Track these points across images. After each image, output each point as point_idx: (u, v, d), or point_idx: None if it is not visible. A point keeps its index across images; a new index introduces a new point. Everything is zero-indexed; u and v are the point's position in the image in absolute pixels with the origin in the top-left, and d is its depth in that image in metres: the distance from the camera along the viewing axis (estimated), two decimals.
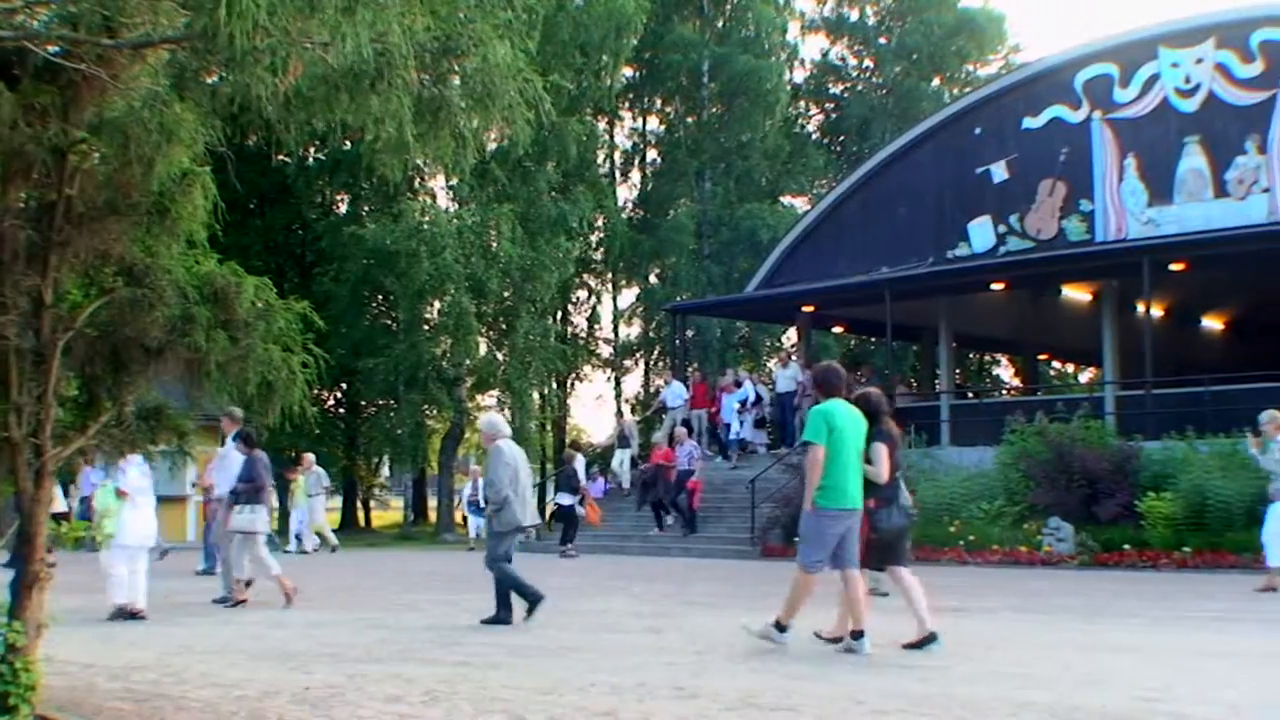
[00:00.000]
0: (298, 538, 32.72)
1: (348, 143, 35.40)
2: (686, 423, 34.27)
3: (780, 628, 12.18)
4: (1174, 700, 9.02)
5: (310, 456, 33.02)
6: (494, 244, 41.54)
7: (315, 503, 32.75)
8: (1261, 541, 19.43)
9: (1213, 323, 42.65)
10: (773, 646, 12.09)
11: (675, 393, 36.18)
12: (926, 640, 11.91)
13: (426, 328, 42.61)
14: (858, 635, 11.80)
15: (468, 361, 42.51)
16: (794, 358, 36.08)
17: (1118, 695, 9.22)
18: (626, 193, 56.85)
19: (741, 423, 35.06)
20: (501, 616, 14.33)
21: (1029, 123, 33.68)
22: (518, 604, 14.40)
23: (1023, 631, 13.88)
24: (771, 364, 36.47)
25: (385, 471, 58.32)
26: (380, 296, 44.95)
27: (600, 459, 40.48)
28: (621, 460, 35.78)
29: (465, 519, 37.47)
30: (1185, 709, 8.66)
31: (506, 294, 42.86)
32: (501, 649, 12.26)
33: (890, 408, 13.09)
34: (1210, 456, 24.97)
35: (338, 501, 55.20)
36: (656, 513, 31.30)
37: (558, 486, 31.52)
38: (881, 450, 12.31)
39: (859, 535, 12.05)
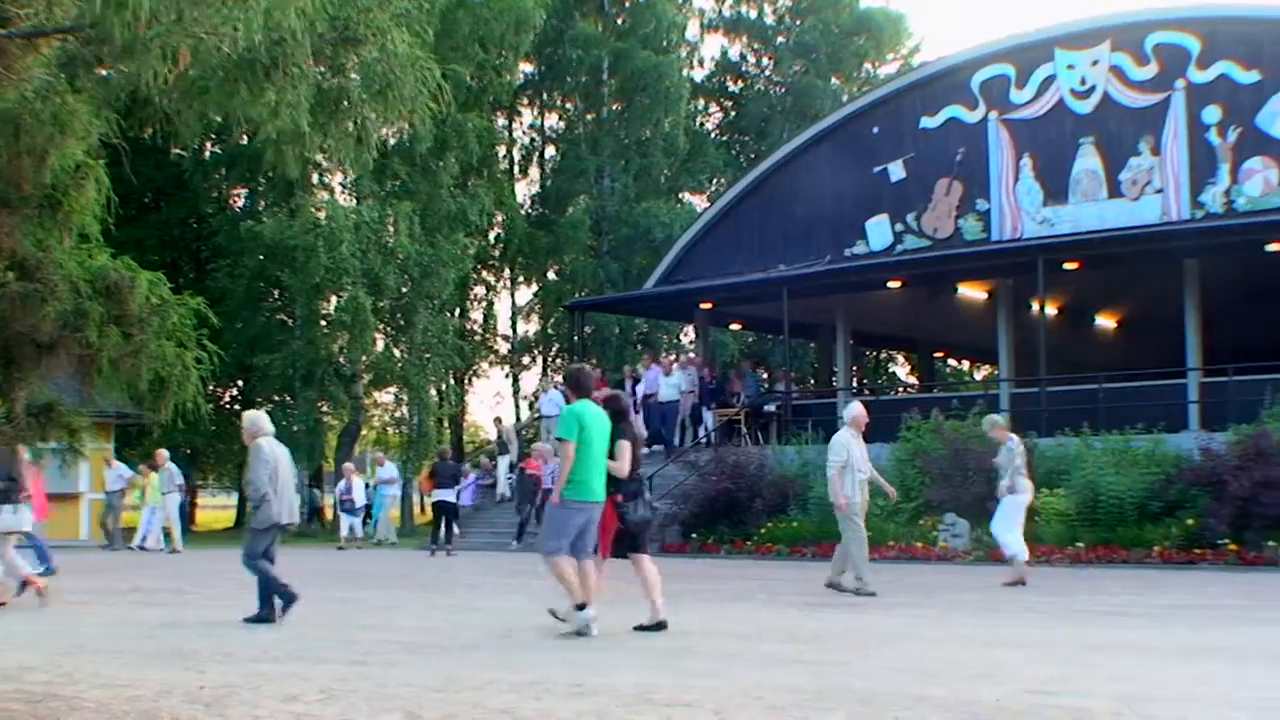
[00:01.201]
0: (144, 536, 32.39)
1: (245, 137, 35.06)
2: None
3: (580, 607, 12.77)
4: (1066, 693, 9.10)
5: (164, 453, 32.52)
6: (392, 240, 41.33)
7: (169, 500, 32.29)
8: (993, 534, 20.36)
9: (1106, 321, 43.17)
10: (579, 628, 12.72)
11: (553, 401, 35.58)
12: (657, 626, 12.97)
13: (323, 324, 42.36)
14: (581, 607, 12.71)
15: (365, 358, 42.26)
16: (679, 366, 35.88)
17: (1012, 689, 9.29)
18: (526, 189, 56.80)
19: None
20: (263, 615, 14.25)
21: (926, 122, 33.95)
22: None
23: (919, 626, 13.97)
24: (649, 369, 35.36)
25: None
26: (277, 292, 44.50)
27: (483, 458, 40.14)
28: (501, 466, 35.34)
29: (337, 518, 36.88)
30: (1077, 702, 8.74)
31: (404, 290, 42.67)
32: (398, 647, 12.18)
33: (625, 406, 13.94)
34: (1103, 453, 25.29)
35: (232, 500, 54.74)
36: (521, 526, 30.53)
37: (437, 483, 31.12)
38: (625, 447, 13.16)
39: (598, 527, 12.98)
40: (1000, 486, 20.01)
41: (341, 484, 35.18)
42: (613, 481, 12.97)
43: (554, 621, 13.28)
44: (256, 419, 14.97)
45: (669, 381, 34.22)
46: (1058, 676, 9.92)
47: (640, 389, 34.59)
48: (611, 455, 12.96)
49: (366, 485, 35.80)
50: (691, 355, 36.39)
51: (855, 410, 18.40)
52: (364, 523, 35.34)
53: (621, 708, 8.69)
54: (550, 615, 13.38)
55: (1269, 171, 29.49)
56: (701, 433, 33.81)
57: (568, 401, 13.33)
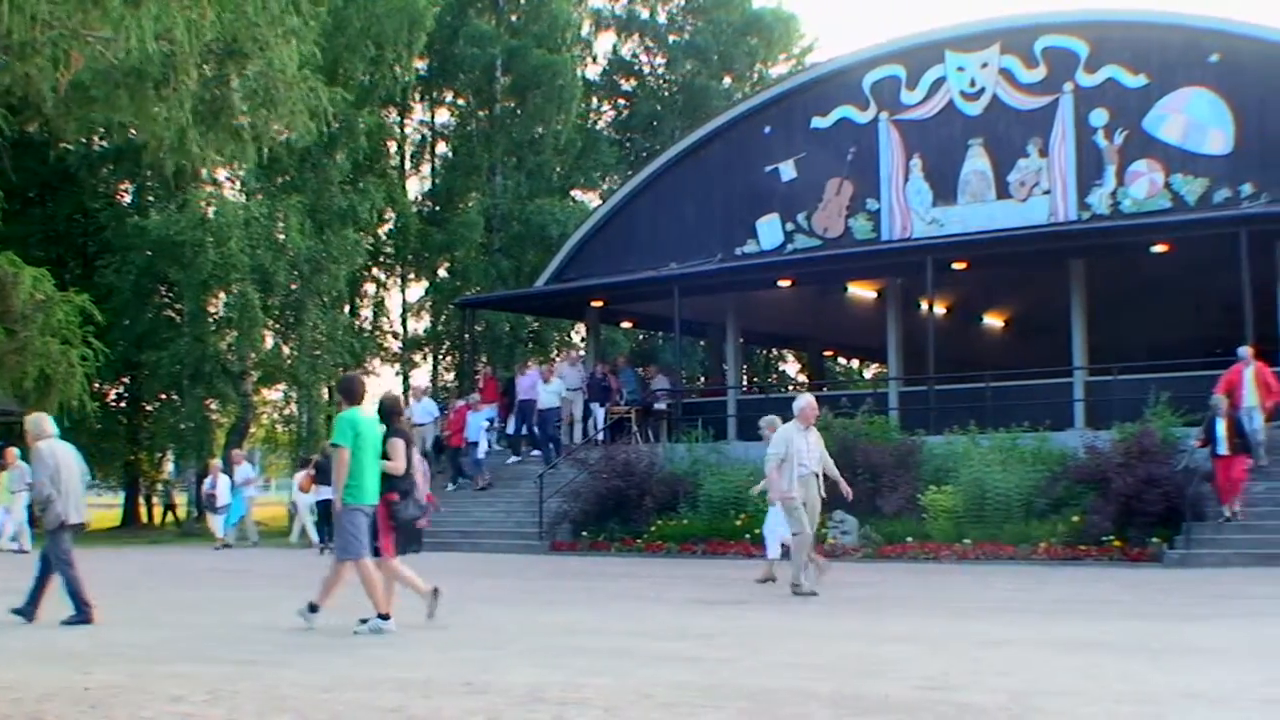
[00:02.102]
0: (14, 537, 31.79)
1: (133, 130, 34.59)
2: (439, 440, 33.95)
3: (383, 617, 13.10)
4: (954, 688, 9.15)
5: (14, 451, 31.79)
6: (281, 235, 40.94)
7: (18, 499, 31.64)
8: (762, 534, 20.63)
9: (994, 320, 43.58)
10: (390, 635, 12.86)
11: (425, 409, 35.30)
12: (384, 617, 13.12)
13: (212, 320, 41.84)
14: (384, 617, 13.07)
15: (253, 355, 41.84)
16: (568, 364, 35.70)
17: (900, 684, 9.33)
18: (417, 185, 56.44)
19: (490, 441, 33.98)
20: (81, 615, 14.11)
21: (818, 122, 34.13)
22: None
23: (808, 623, 14.00)
24: (524, 374, 34.83)
25: (170, 468, 57.07)
26: (164, 288, 43.88)
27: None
28: None
29: (205, 516, 36.25)
30: (965, 696, 8.79)
31: (294, 286, 42.23)
32: (286, 647, 12.05)
33: (397, 406, 14.32)
34: (990, 451, 25.54)
35: (118, 499, 53.93)
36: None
37: (321, 481, 30.70)
38: (399, 446, 13.47)
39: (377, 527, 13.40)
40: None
41: (208, 481, 34.66)
42: (386, 480, 13.35)
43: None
44: (39, 421, 14.85)
45: (549, 389, 33.45)
46: (946, 671, 9.97)
47: (518, 393, 34.31)
48: (386, 455, 13.35)
49: (232, 484, 35.10)
50: (579, 352, 36.11)
51: (803, 402, 17.84)
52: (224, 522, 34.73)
53: (513, 706, 8.63)
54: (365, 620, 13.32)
55: (1154, 174, 29.94)
56: (591, 429, 33.65)
57: (341, 410, 13.60)
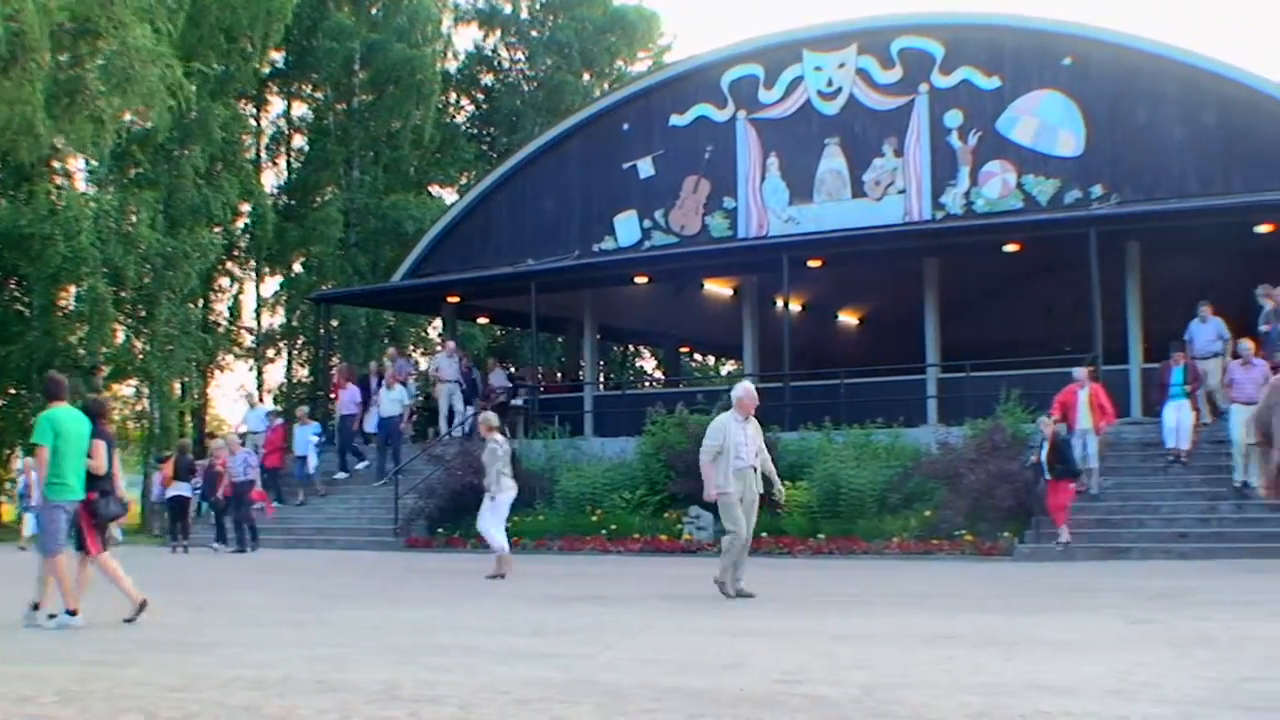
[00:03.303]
0: None
1: None
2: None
3: (70, 613, 13.22)
4: (809, 682, 9.18)
5: None
6: (133, 229, 40.25)
7: None
8: (479, 529, 20.93)
9: (849, 318, 43.97)
10: (78, 630, 12.87)
11: (257, 416, 34.85)
12: (72, 613, 13.17)
13: (61, 314, 41.06)
14: (71, 613, 13.18)
15: (104, 349, 41.11)
16: (446, 355, 35.41)
17: (756, 678, 9.34)
18: (273, 180, 55.77)
19: (319, 455, 32.56)
20: None
21: (676, 120, 34.23)
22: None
23: (664, 618, 14.00)
24: (350, 387, 34.11)
25: (19, 464, 55.96)
26: (12, 281, 43.01)
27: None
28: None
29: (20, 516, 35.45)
30: (820, 690, 8.82)
31: (146, 281, 41.53)
32: (137, 645, 11.82)
33: (104, 408, 14.58)
34: (844, 447, 25.77)
35: None
36: (219, 526, 29.33)
37: (176, 476, 30.24)
38: (101, 446, 13.69)
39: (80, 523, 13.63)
40: (488, 482, 20.46)
41: (21, 480, 33.89)
42: (91, 478, 13.59)
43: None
44: None
45: (391, 396, 32.71)
46: (801, 665, 10.00)
47: (339, 409, 33.86)
48: (91, 454, 13.57)
49: None
50: (453, 344, 35.73)
51: (741, 391, 16.61)
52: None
53: (366, 704, 8.53)
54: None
55: (1007, 175, 30.40)
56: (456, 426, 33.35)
57: (45, 409, 13.80)
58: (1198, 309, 26.10)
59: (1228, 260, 29.82)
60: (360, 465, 32.65)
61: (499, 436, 20.78)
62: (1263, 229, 27.97)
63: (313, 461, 32.18)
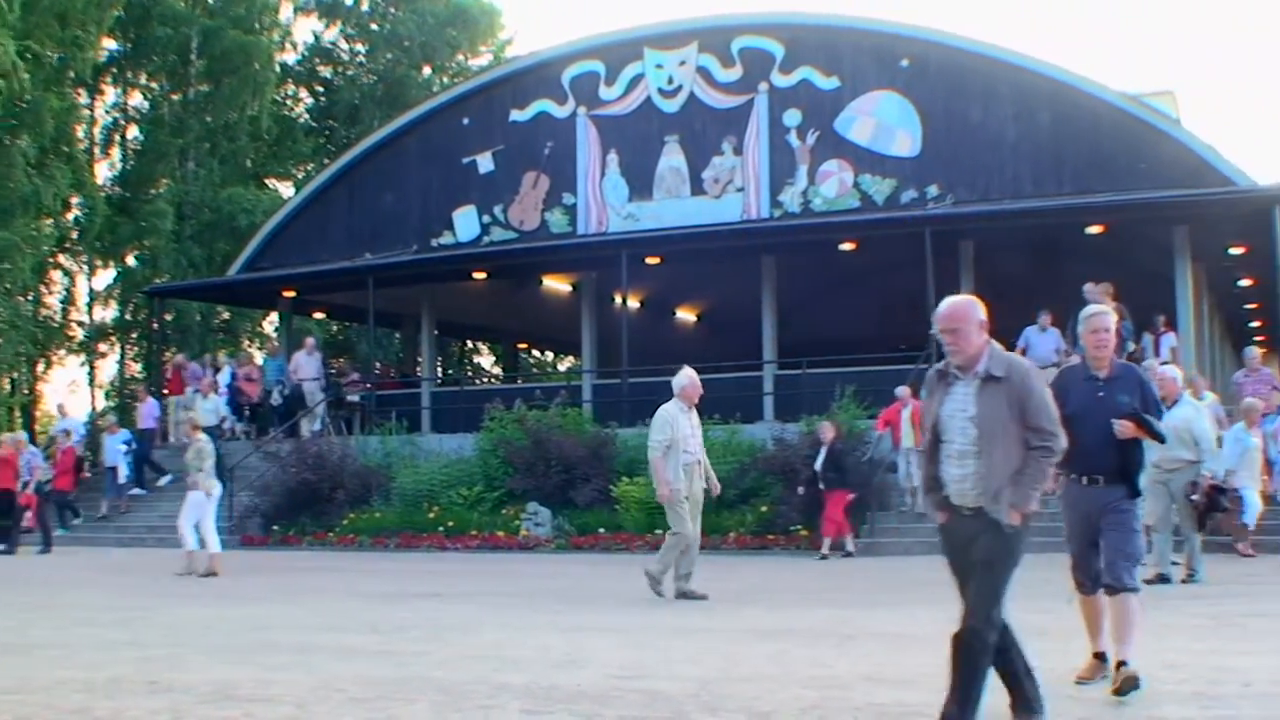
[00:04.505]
0: None
1: None
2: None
3: None
4: (646, 677, 9.20)
5: None
6: None
7: None
8: (178, 527, 20.67)
9: (687, 315, 44.13)
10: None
11: (69, 423, 34.04)
12: None
13: None
14: None
15: None
16: (306, 352, 34.64)
17: (593, 674, 9.35)
18: (107, 170, 54.67)
19: (130, 465, 30.96)
20: None
21: (516, 116, 34.11)
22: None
23: (501, 615, 13.96)
24: (149, 401, 33.31)
25: None
26: None
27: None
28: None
29: None
30: (656, 685, 8.84)
31: None
32: None
33: None
34: None
35: None
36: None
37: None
38: None
39: None
40: (190, 480, 20.41)
41: None
42: None
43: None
44: None
45: (207, 406, 31.74)
46: (638, 661, 10.03)
47: (139, 421, 32.98)
48: None
49: None
50: (310, 342, 35.10)
51: (685, 378, 15.71)
52: None
53: (200, 704, 8.41)
54: None
55: (844, 174, 30.68)
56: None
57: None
58: (1038, 316, 26.52)
59: (1060, 260, 30.42)
60: (163, 480, 31.22)
61: (203, 435, 20.67)
62: (1093, 230, 28.57)
63: (123, 471, 30.80)
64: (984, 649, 6.96)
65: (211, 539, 20.23)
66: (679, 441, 15.14)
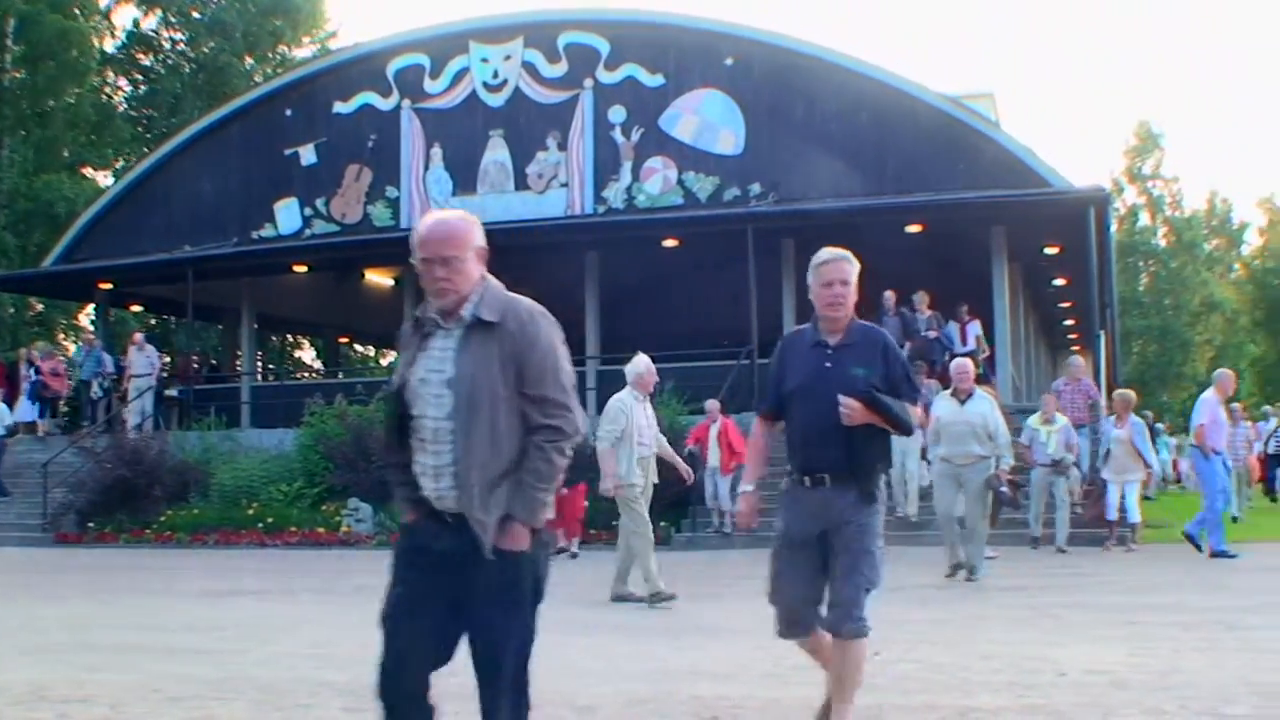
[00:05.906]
0: None
1: None
2: None
3: None
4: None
5: None
6: None
7: None
8: None
9: None
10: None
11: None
12: None
13: None
14: None
15: None
16: (135, 347, 33.76)
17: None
18: None
19: None
20: None
21: (340, 107, 33.83)
22: None
23: (322, 612, 13.88)
24: None
25: None
26: None
27: None
28: None
29: None
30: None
31: None
32: None
33: None
34: None
35: None
36: None
37: None
38: None
39: None
40: None
41: None
42: None
43: None
44: None
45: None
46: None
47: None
48: None
49: None
50: (139, 338, 34.36)
51: (640, 366, 14.63)
52: None
53: (12, 706, 8.26)
54: None
55: (668, 171, 30.85)
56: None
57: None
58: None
59: (882, 259, 30.78)
60: None
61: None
62: (913, 229, 29.03)
63: None
64: None
65: None
66: (633, 433, 14.15)
